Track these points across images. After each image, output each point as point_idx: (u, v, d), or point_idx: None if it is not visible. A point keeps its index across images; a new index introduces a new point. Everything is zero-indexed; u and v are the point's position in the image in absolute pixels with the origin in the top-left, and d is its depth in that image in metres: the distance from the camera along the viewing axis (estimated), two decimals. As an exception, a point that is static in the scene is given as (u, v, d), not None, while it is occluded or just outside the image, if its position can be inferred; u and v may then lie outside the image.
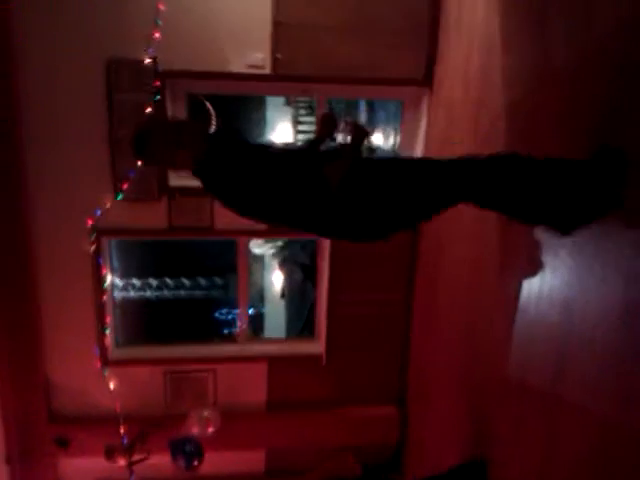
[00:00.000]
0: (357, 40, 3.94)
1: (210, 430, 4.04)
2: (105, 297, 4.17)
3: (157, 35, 3.75)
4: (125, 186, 3.92)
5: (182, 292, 9.66)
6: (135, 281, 9.07)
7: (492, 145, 3.03)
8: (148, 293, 9.30)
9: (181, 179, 4.01)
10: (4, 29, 3.61)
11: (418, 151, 4.28)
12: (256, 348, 4.63)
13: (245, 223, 4.03)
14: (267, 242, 8.59)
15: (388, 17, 3.95)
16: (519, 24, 2.79)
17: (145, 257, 8.61)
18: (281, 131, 8.49)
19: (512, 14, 2.87)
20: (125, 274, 8.10)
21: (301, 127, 8.28)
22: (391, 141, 6.66)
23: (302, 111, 8.34)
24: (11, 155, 3.79)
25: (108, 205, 3.95)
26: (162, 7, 3.74)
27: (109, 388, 4.27)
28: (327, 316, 4.43)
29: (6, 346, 3.96)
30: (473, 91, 3.37)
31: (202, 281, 9.69)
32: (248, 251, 4.75)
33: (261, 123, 8.64)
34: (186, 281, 9.60)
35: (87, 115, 3.87)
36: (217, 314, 10.46)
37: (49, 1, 3.68)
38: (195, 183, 3.94)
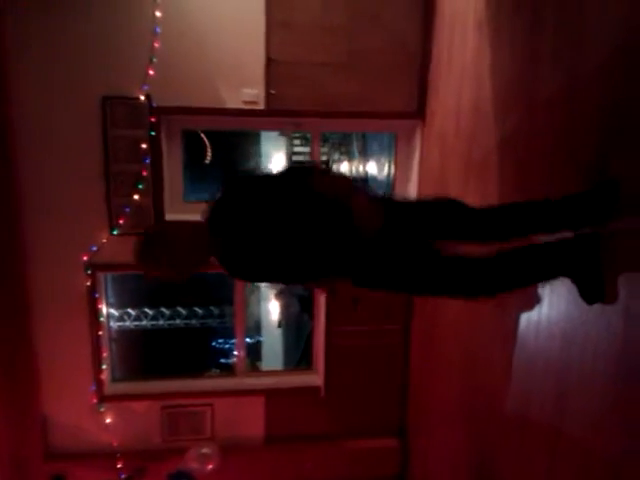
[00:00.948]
0: (349, 74, 4.01)
1: (209, 467, 3.99)
2: (101, 332, 4.15)
3: (152, 72, 3.81)
4: (121, 221, 3.94)
5: (178, 321, 9.62)
6: (130, 311, 9.03)
7: (486, 178, 3.07)
8: (144, 322, 9.25)
9: (177, 213, 4.04)
10: (0, 68, 3.66)
11: (413, 183, 4.32)
12: (254, 381, 4.60)
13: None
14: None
15: (380, 51, 4.03)
16: (509, 56, 2.84)
17: (140, 287, 8.59)
18: (276, 162, 8.57)
19: (503, 47, 2.93)
20: (120, 304, 8.07)
21: (296, 158, 8.36)
22: (385, 171, 6.73)
23: (297, 141, 8.44)
24: (6, 191, 3.80)
25: (104, 240, 3.96)
26: (157, 45, 3.81)
27: (105, 423, 4.23)
28: (325, 347, 4.41)
29: (1, 383, 3.92)
30: (465, 123, 3.42)
31: (198, 310, 9.66)
32: (245, 283, 4.74)
33: (256, 154, 8.72)
34: (182, 310, 9.57)
35: (83, 151, 3.90)
36: (214, 343, 10.40)
37: (43, 39, 3.74)
38: (191, 217, 3.98)
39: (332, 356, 4.41)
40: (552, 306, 2.37)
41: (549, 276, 2.12)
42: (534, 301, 2.49)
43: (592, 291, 2.00)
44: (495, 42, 3.04)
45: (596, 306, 2.01)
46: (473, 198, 3.29)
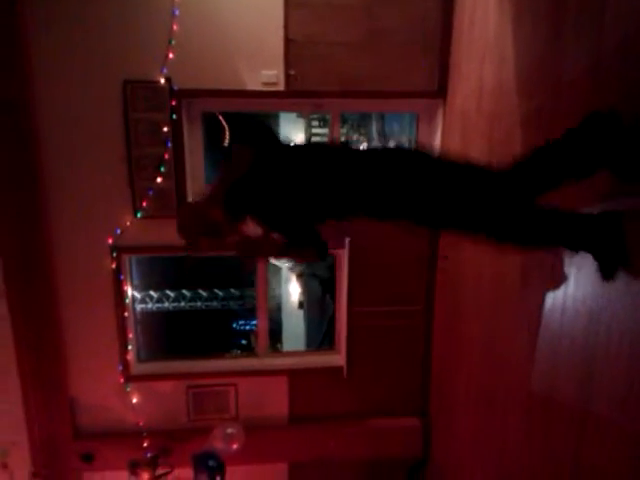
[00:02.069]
0: (369, 54, 3.97)
1: (234, 447, 4.06)
2: (126, 313, 4.22)
3: (171, 55, 3.82)
4: (144, 203, 3.98)
5: (199, 303, 9.73)
6: (153, 293, 9.17)
7: (508, 156, 3.03)
8: (166, 304, 9.39)
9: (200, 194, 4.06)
10: (21, 53, 3.69)
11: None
12: (276, 361, 4.65)
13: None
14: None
15: (399, 30, 3.98)
16: (532, 33, 2.79)
17: (162, 268, 8.70)
18: (296, 139, 8.55)
19: (525, 23, 2.88)
20: (143, 286, 8.18)
21: (315, 139, 8.34)
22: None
23: (315, 122, 8.41)
24: (30, 177, 3.86)
25: (128, 223, 4.01)
26: (176, 27, 3.81)
27: (132, 403, 4.33)
28: (347, 328, 4.43)
29: (30, 365, 4.03)
30: (487, 102, 3.38)
31: (219, 292, 9.76)
32: (267, 263, 4.78)
33: (274, 132, 8.70)
34: (203, 292, 9.68)
35: (105, 135, 3.94)
36: (235, 325, 10.52)
37: (63, 24, 3.75)
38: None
39: (354, 337, 4.43)
40: (578, 285, 2.35)
41: (569, 243, 2.10)
42: (560, 280, 2.47)
43: (611, 267, 2.00)
44: (517, 19, 2.99)
45: (622, 285, 2.00)
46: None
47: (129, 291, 4.30)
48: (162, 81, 3.83)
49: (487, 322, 3.41)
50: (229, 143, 2.34)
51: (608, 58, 2.12)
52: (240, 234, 2.23)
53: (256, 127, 2.32)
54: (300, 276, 8.93)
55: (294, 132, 8.69)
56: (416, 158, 2.13)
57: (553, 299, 2.57)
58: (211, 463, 3.90)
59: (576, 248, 2.11)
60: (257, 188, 2.17)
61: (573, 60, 2.38)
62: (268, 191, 2.17)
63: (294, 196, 2.15)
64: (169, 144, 3.92)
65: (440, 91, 4.06)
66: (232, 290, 9.69)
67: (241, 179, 2.17)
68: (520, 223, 2.01)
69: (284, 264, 9.00)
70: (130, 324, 4.31)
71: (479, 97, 3.50)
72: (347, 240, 4.25)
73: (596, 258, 2.03)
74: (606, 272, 2.02)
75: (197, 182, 4.16)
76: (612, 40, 2.10)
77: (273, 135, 2.34)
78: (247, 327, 10.50)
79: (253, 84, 3.92)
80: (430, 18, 4.00)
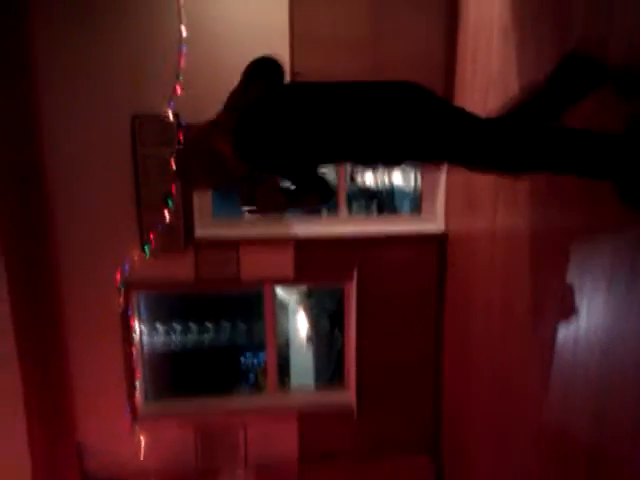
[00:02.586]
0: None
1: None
2: (134, 351, 4.16)
3: (179, 90, 3.85)
4: (152, 239, 3.96)
5: (206, 336, 9.64)
6: (159, 326, 9.09)
7: (516, 189, 3.01)
8: (172, 338, 9.30)
9: (207, 229, 4.06)
10: (30, 87, 3.74)
11: (440, 195, 4.27)
12: (286, 399, 4.56)
13: (271, 271, 4.11)
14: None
15: (404, 61, 3.99)
16: (536, 60, 2.78)
17: (168, 300, 8.63)
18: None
19: (529, 50, 2.88)
20: (149, 319, 8.12)
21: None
22: (412, 182, 6.67)
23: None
24: (38, 213, 3.86)
25: (136, 258, 3.98)
26: (183, 63, 3.84)
27: (140, 445, 4.23)
28: (356, 362, 4.36)
29: (37, 408, 3.94)
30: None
31: (226, 325, 9.67)
32: (275, 298, 4.72)
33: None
34: (210, 325, 9.59)
35: (113, 169, 3.95)
36: (242, 360, 10.37)
37: (72, 60, 3.80)
38: (221, 233, 3.99)
39: (364, 372, 4.35)
40: (590, 315, 2.29)
41: (590, 166, 1.94)
42: (571, 311, 2.42)
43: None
44: (521, 48, 2.99)
45: (634, 316, 1.94)
46: (504, 209, 3.24)
47: (137, 327, 4.24)
48: (170, 116, 3.85)
49: (498, 353, 3.33)
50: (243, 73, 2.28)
51: (614, 80, 2.09)
52: (244, 171, 2.13)
53: (269, 63, 2.27)
54: (308, 310, 8.85)
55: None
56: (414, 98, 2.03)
57: (565, 329, 2.51)
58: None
59: (595, 173, 1.94)
60: (264, 124, 2.09)
61: None
62: (274, 129, 2.08)
63: (301, 135, 2.06)
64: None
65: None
66: (240, 323, 9.61)
67: (250, 110, 2.09)
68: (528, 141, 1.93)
69: (293, 296, 8.94)
70: (138, 363, 4.24)
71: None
72: (355, 271, 4.21)
73: (618, 182, 1.90)
74: (632, 198, 1.89)
75: (205, 216, 4.15)
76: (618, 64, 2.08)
77: (282, 74, 2.28)
78: (255, 362, 10.35)
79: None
80: (434, 50, 4.03)
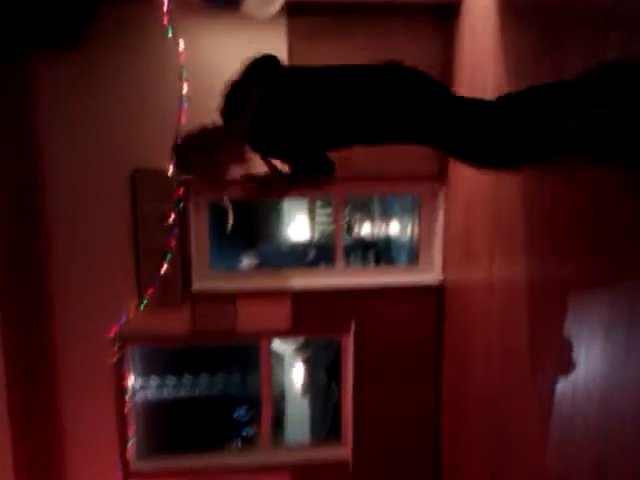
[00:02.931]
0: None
1: None
2: (127, 406, 4.07)
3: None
4: (149, 293, 3.94)
5: (200, 388, 9.48)
6: (153, 379, 8.94)
7: (512, 236, 3.04)
8: (166, 391, 9.14)
9: (204, 281, 4.05)
10: (30, 142, 3.79)
11: (437, 245, 4.30)
12: (280, 456, 4.44)
13: (268, 323, 4.08)
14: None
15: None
16: None
17: (163, 352, 8.53)
18: (298, 222, 8.65)
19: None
20: (143, 372, 7.99)
21: (318, 218, 8.43)
22: (408, 232, 6.72)
23: (318, 202, 8.55)
24: (35, 261, 3.86)
25: (132, 313, 3.95)
26: (184, 119, 3.92)
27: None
28: (353, 417, 4.28)
29: (26, 463, 3.83)
30: (489, 184, 3.42)
31: (220, 376, 9.53)
32: (270, 351, 4.67)
33: (278, 213, 8.82)
34: (204, 376, 9.45)
35: (112, 223, 3.96)
36: (236, 413, 10.17)
37: (74, 114, 3.86)
38: (218, 285, 3.97)
39: (360, 427, 4.26)
40: (588, 364, 2.28)
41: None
42: (570, 360, 2.40)
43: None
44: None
45: (633, 364, 1.93)
46: (501, 260, 3.25)
47: (131, 381, 4.17)
48: (170, 170, 3.90)
49: (496, 404, 3.28)
50: (237, 83, 2.26)
51: None
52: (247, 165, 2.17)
53: (260, 60, 2.27)
54: (305, 365, 8.76)
55: (297, 211, 8.80)
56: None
57: (564, 378, 2.48)
58: None
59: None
60: (276, 119, 2.12)
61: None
62: (285, 119, 2.11)
63: (306, 119, 2.10)
64: (175, 232, 3.94)
65: (441, 173, 4.13)
66: (234, 374, 9.47)
67: (261, 114, 2.11)
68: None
69: (289, 349, 8.84)
70: (131, 418, 4.15)
71: (480, 179, 3.54)
72: (352, 324, 4.18)
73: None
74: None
75: (203, 268, 4.15)
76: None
77: (277, 62, 2.29)
78: (249, 415, 10.14)
79: (260, 171, 3.98)
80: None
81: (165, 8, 3.39)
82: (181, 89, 3.88)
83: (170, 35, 3.58)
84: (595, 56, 2.18)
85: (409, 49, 4.03)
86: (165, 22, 3.58)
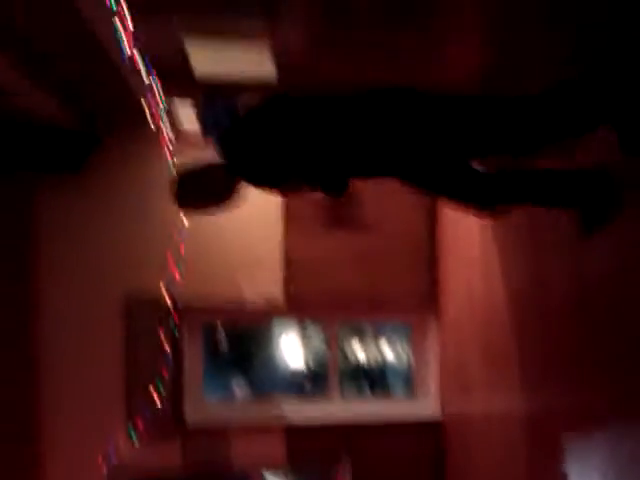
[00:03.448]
0: (363, 270, 4.17)
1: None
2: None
3: (176, 273, 3.99)
4: (139, 424, 3.83)
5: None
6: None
7: (506, 366, 3.04)
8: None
9: (197, 413, 3.97)
10: (25, 266, 3.89)
11: (432, 370, 4.28)
12: None
13: (261, 456, 3.93)
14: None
15: (390, 247, 4.22)
16: (518, 253, 2.94)
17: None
18: (288, 343, 8.51)
19: (509, 243, 3.06)
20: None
21: (310, 345, 8.33)
22: (402, 356, 6.65)
23: (311, 328, 8.48)
24: (30, 394, 3.82)
25: (121, 445, 3.82)
26: (182, 247, 4.03)
27: None
28: None
29: None
30: (479, 314, 3.47)
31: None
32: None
33: (268, 334, 8.70)
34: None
35: (104, 352, 3.95)
36: None
37: (70, 241, 3.98)
38: (211, 417, 3.85)
39: None
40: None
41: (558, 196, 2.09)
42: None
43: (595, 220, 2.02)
44: (500, 241, 3.19)
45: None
46: (498, 392, 3.23)
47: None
48: (166, 298, 3.95)
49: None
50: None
51: (590, 266, 2.22)
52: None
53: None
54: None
55: (287, 331, 8.71)
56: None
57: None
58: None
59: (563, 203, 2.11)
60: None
61: (559, 274, 2.48)
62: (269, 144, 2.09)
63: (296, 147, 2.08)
64: (168, 361, 3.92)
65: (431, 303, 4.20)
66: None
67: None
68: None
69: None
70: None
71: (471, 310, 3.61)
72: (347, 458, 4.02)
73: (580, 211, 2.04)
74: (588, 226, 2.05)
75: (195, 400, 4.09)
76: (588, 267, 2.23)
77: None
78: None
79: (253, 299, 4.06)
80: (418, 237, 4.27)
81: (166, 141, 3.58)
82: (181, 220, 4.04)
83: (171, 168, 3.77)
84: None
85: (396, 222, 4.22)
86: (166, 154, 3.77)
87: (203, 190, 2.19)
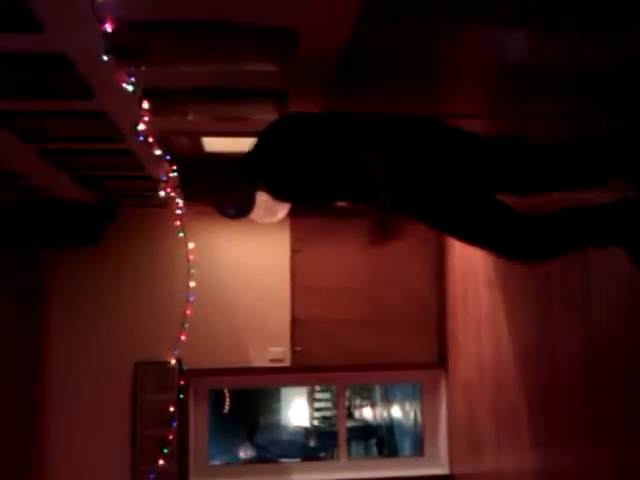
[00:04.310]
0: (371, 330, 4.16)
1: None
2: None
3: (183, 337, 3.99)
4: (144, 487, 3.77)
5: None
6: None
7: (516, 425, 3.00)
8: None
9: (201, 477, 3.88)
10: (36, 331, 3.93)
11: (442, 431, 4.21)
12: None
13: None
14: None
15: (398, 307, 4.22)
16: (523, 312, 2.97)
17: None
18: (297, 407, 8.41)
19: (515, 302, 3.08)
20: None
21: (317, 404, 8.24)
22: (411, 418, 6.56)
23: (318, 387, 8.40)
24: (36, 455, 3.82)
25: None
26: (189, 311, 4.05)
27: None
28: None
29: None
30: (489, 373, 3.45)
31: None
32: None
33: (276, 398, 8.59)
34: None
35: (111, 414, 3.95)
36: None
37: (81, 308, 4.03)
38: None
39: None
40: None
41: (599, 238, 1.89)
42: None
43: None
44: (507, 300, 3.20)
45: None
46: (507, 447, 3.18)
47: None
48: (173, 362, 3.95)
49: None
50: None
51: (601, 342, 2.24)
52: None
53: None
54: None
55: (296, 398, 8.61)
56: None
57: None
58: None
59: (604, 242, 1.89)
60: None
61: (567, 333, 2.49)
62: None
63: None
64: (174, 424, 3.88)
65: (441, 362, 4.18)
66: None
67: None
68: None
69: None
70: None
71: (480, 368, 3.59)
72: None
73: (625, 247, 1.85)
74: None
75: (200, 464, 4.02)
76: (599, 326, 2.25)
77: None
78: None
79: (260, 361, 4.06)
80: (425, 296, 4.26)
81: (179, 213, 3.66)
82: (188, 285, 4.08)
83: (181, 235, 3.83)
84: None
85: (404, 265, 4.27)
86: (177, 225, 3.84)
87: (213, 185, 2.13)
